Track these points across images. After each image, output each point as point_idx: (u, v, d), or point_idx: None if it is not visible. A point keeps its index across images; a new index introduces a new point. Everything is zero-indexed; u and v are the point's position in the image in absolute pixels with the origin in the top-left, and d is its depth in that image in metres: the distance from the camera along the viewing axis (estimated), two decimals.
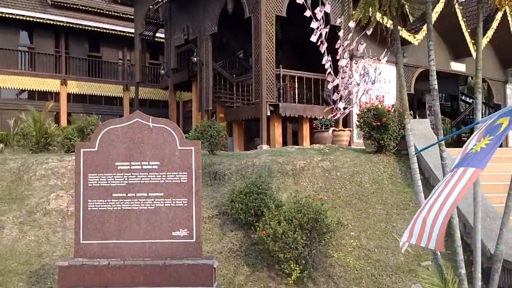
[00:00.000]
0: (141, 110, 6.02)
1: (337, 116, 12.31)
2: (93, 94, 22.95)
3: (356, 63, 12.37)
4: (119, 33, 22.64)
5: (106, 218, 5.09)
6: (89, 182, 5.12)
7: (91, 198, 5.10)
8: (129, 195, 5.10)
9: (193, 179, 5.04)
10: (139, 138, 5.16)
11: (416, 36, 14.18)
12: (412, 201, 9.18)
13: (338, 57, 12.15)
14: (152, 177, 5.10)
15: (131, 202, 5.09)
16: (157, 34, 20.63)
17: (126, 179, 5.12)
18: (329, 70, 12.16)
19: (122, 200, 5.09)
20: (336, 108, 12.33)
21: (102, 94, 23.13)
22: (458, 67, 15.87)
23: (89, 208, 5.10)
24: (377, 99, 12.37)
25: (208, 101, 15.01)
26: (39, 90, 21.61)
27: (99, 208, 5.09)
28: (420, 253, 8.00)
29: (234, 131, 15.00)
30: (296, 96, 13.99)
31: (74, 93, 22.51)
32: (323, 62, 12.16)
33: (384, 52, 12.05)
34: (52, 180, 9.72)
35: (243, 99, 15.05)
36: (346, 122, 13.56)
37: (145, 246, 5.06)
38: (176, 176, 5.07)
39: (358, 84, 12.23)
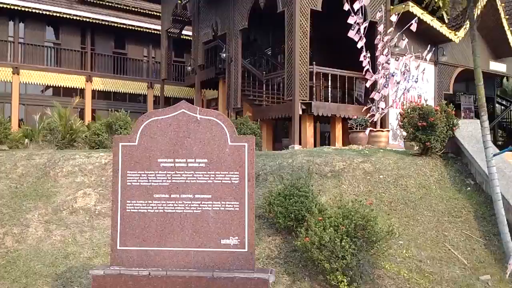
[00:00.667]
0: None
1: (376, 117, 11.49)
2: (118, 91, 22.46)
3: (397, 60, 11.52)
4: (144, 30, 22.12)
5: (147, 221, 4.40)
6: (128, 181, 4.44)
7: (130, 198, 4.43)
8: (172, 196, 4.42)
9: (245, 179, 4.34)
10: (184, 132, 4.47)
11: (457, 33, 13.31)
12: (465, 209, 8.39)
13: (377, 53, 11.35)
14: (199, 177, 4.40)
15: (175, 205, 4.40)
16: (183, 32, 20.05)
17: (169, 178, 4.43)
18: (367, 67, 11.34)
19: (164, 202, 4.41)
20: (375, 108, 11.51)
21: (127, 91, 22.62)
22: (498, 67, 14.96)
23: (127, 210, 4.42)
24: (418, 98, 11.54)
25: (236, 99, 14.33)
26: (64, 86, 21.18)
27: (139, 211, 4.41)
28: (477, 266, 7.21)
29: (262, 131, 14.29)
30: (329, 94, 13.23)
31: (99, 89, 22.05)
32: (361, 58, 11.33)
33: (427, 49, 11.19)
34: (79, 177, 9.15)
35: (272, 98, 14.35)
36: (381, 123, 12.77)
37: (190, 255, 4.36)
38: (226, 176, 4.37)
39: (398, 83, 11.40)
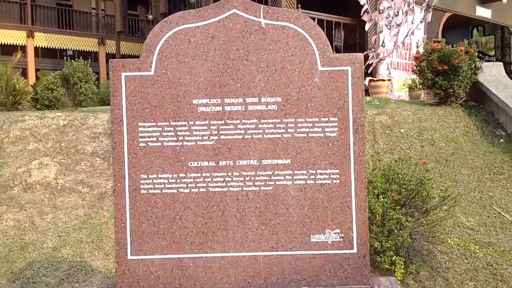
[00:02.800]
0: None
1: (374, 64, 9.76)
2: (64, 48, 19.39)
3: None
4: None
5: (178, 210, 2.39)
6: (140, 140, 2.38)
7: (146, 171, 2.38)
8: (221, 164, 2.40)
9: (349, 130, 2.40)
10: (239, 50, 2.42)
11: None
12: (505, 164, 6.98)
13: None
14: (268, 128, 2.41)
15: (227, 179, 2.40)
16: None
17: (215, 132, 2.41)
18: (366, 6, 9.53)
19: (208, 174, 2.39)
20: (374, 54, 9.76)
21: (75, 48, 19.58)
22: (483, 12, 13.52)
23: (142, 192, 2.38)
24: (423, 42, 9.88)
25: None
26: (2, 43, 17.94)
27: (163, 191, 2.38)
28: None
29: None
30: None
31: (42, 46, 18.91)
32: None
33: None
34: (32, 144, 6.91)
35: None
36: (371, 73, 11.04)
37: (257, 263, 2.41)
38: (316, 125, 2.41)
39: (398, 25, 9.70)
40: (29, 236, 5.28)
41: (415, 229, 4.98)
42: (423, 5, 9.76)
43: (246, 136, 2.41)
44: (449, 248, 5.41)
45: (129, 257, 2.37)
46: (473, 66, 8.01)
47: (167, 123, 2.39)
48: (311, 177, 2.40)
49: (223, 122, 2.40)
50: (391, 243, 4.54)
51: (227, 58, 2.41)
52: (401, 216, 4.52)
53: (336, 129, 2.40)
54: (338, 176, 2.40)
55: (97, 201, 5.77)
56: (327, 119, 2.40)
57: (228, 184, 2.40)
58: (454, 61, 7.68)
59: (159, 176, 2.38)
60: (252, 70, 2.40)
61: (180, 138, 2.39)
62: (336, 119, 2.40)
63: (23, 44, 18.26)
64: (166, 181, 2.38)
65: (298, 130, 2.40)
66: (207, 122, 2.40)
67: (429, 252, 5.29)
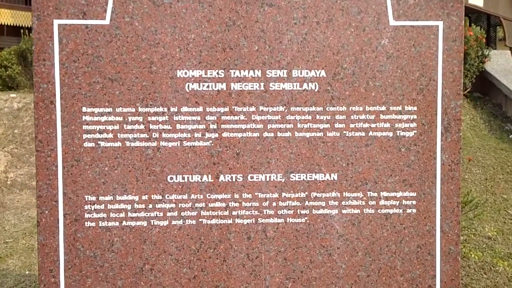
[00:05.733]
0: None
1: None
2: (31, 26, 17.88)
3: None
4: None
5: (148, 255, 1.38)
6: (85, 136, 1.36)
7: (93, 189, 1.36)
8: (223, 179, 1.41)
9: (437, 127, 1.44)
10: None
11: None
12: None
13: None
14: (302, 122, 1.42)
15: (231, 204, 1.41)
16: None
17: (212, 126, 1.40)
18: None
19: (200, 197, 1.40)
20: None
21: None
22: (475, 1, 12.74)
23: (88, 224, 1.36)
24: None
25: None
26: None
27: (124, 224, 1.38)
28: None
29: None
30: None
31: (8, 24, 17.31)
32: None
33: None
34: None
35: None
36: None
37: None
38: (382, 117, 1.43)
39: None
40: None
41: None
42: None
43: (265, 134, 1.40)
44: (466, 261, 4.59)
45: None
46: (480, 54, 7.18)
47: (133, 109, 1.36)
48: (371, 203, 1.42)
49: (227, 109, 1.39)
50: None
51: (237, 1, 1.39)
52: None
53: (414, 125, 1.42)
54: (414, 202, 1.43)
55: None
56: (400, 108, 1.41)
57: (234, 213, 1.40)
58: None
59: (118, 198, 1.36)
60: (279, 23, 1.40)
61: (155, 135, 1.37)
62: (415, 108, 1.42)
63: None
64: (129, 206, 1.37)
65: (352, 125, 1.41)
66: (200, 109, 1.39)
67: None
